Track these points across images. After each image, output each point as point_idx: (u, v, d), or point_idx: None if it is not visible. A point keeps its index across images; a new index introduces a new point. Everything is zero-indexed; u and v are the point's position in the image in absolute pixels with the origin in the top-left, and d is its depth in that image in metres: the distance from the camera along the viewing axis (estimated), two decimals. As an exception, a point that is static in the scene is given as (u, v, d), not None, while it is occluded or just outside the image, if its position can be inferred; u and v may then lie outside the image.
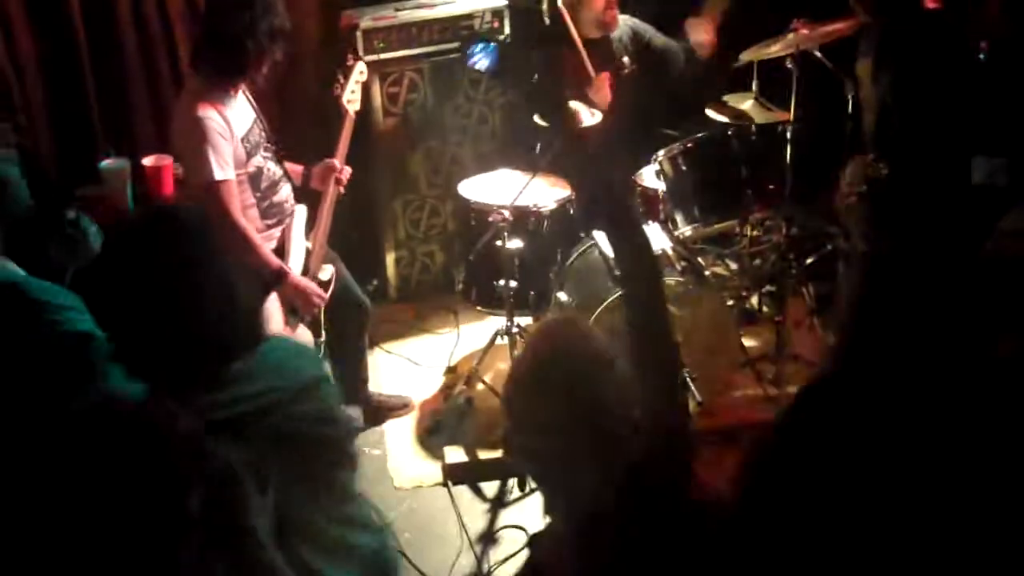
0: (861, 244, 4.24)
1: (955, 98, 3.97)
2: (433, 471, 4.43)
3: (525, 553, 2.18)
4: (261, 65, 3.87)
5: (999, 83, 4.90)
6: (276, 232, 4.08)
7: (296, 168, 4.26)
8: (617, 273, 2.63)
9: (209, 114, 3.76)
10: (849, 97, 4.90)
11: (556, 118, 2.26)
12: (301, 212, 4.19)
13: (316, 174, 4.26)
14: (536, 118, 4.49)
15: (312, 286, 4.07)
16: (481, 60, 4.92)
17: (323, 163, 4.25)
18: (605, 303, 4.26)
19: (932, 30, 4.02)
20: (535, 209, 4.60)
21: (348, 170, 4.27)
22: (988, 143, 4.99)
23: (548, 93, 2.34)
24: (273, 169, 4.04)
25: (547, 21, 5.04)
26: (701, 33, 4.97)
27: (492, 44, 4.87)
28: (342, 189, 4.27)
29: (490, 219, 4.43)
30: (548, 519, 2.15)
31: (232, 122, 3.84)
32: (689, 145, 4.63)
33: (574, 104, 4.46)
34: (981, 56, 4.95)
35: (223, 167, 3.79)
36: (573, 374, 2.03)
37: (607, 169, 2.40)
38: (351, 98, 4.31)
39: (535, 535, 2.22)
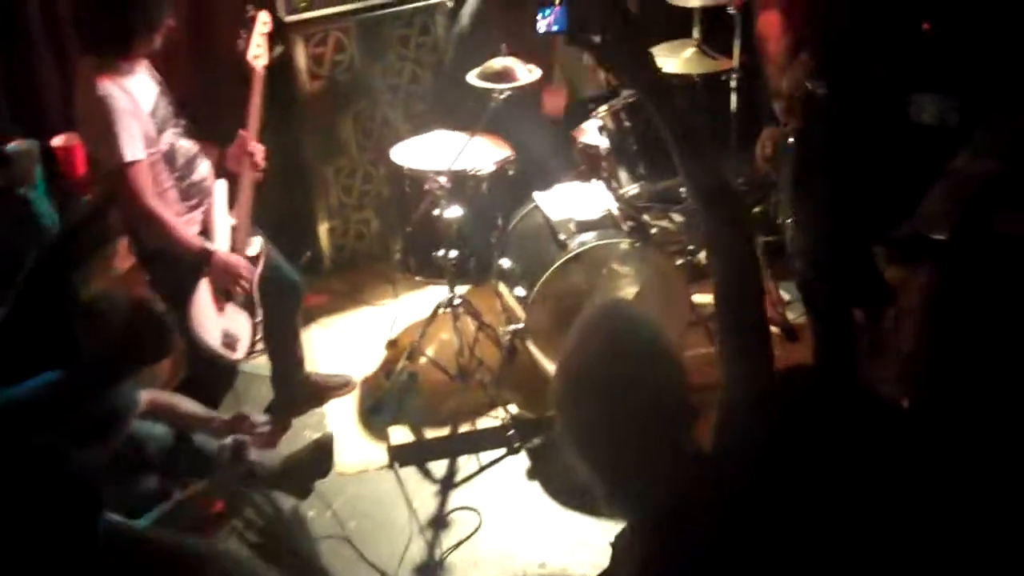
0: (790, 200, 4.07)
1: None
2: (378, 453, 4.22)
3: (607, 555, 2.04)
4: (152, 36, 3.60)
5: (948, 20, 4.76)
6: (198, 214, 3.83)
7: (209, 151, 3.99)
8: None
9: (111, 91, 3.49)
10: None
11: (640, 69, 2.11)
12: (221, 187, 3.94)
13: (231, 156, 4.01)
14: (470, 78, 4.24)
15: (241, 261, 3.84)
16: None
17: (236, 142, 3.99)
18: (551, 269, 4.11)
19: None
20: (473, 173, 4.40)
21: (261, 149, 4.02)
22: (938, 82, 4.87)
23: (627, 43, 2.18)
24: (187, 145, 3.78)
25: None
26: None
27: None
28: (259, 167, 4.02)
29: (426, 187, 4.22)
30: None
31: (137, 97, 3.58)
32: (632, 100, 4.42)
33: (509, 61, 4.22)
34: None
35: (133, 147, 3.53)
36: (628, 374, 1.91)
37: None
38: (257, 53, 4.04)
39: (616, 536, 2.06)
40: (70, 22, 4.43)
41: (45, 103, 4.48)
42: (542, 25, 4.59)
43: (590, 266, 4.22)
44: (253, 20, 4.08)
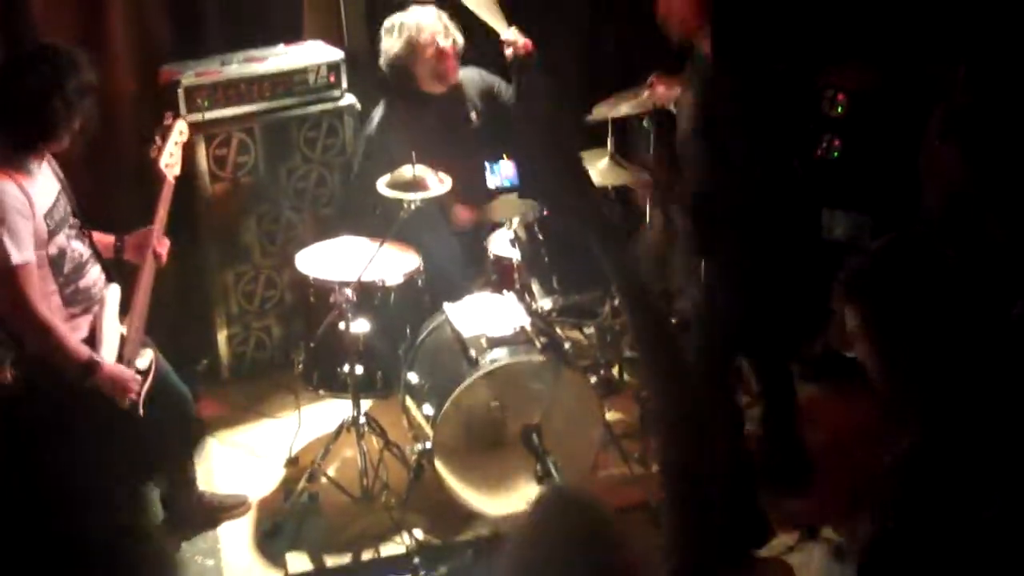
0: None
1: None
2: (276, 582, 3.98)
3: None
4: (69, 127, 3.46)
5: (860, 140, 4.81)
6: (84, 321, 3.60)
7: (107, 239, 3.82)
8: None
9: (7, 188, 3.32)
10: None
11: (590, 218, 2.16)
12: (114, 293, 3.72)
13: (131, 245, 3.82)
14: (380, 186, 4.11)
15: (128, 373, 3.61)
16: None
17: (138, 233, 3.81)
18: (461, 386, 3.95)
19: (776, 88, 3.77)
20: (381, 284, 4.24)
21: (167, 242, 3.85)
22: (852, 200, 4.89)
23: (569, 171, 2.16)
24: (79, 250, 3.58)
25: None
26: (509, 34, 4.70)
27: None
28: (163, 261, 3.84)
29: (332, 299, 4.05)
30: None
31: (34, 197, 3.39)
32: (545, 212, 4.33)
33: (420, 170, 4.10)
34: (839, 110, 4.86)
35: (21, 249, 3.34)
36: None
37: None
38: (170, 161, 3.88)
39: None
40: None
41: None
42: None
43: (502, 383, 4.07)
44: (169, 128, 3.92)
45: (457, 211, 4.73)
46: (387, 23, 4.66)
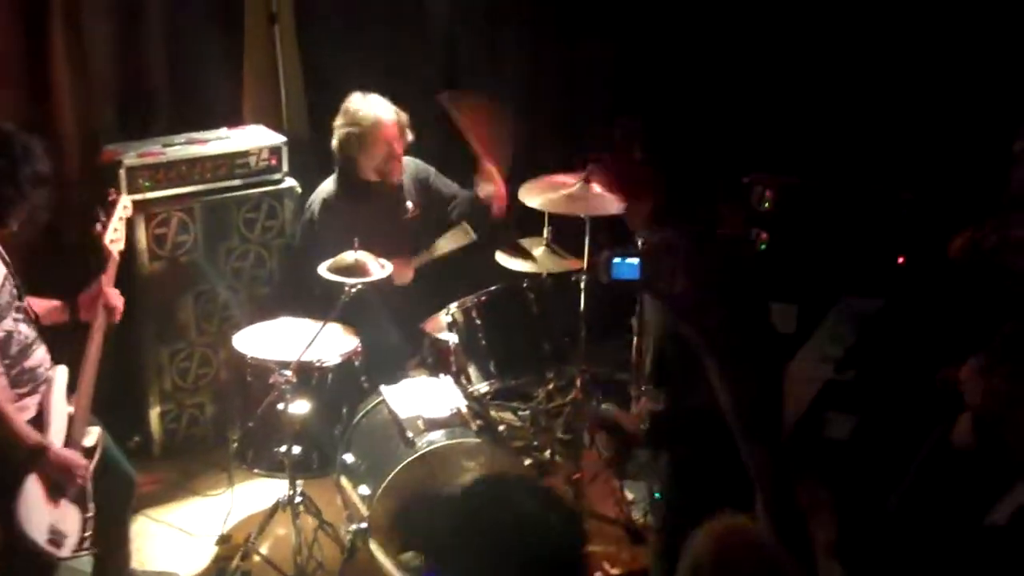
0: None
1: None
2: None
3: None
4: (19, 214, 3.50)
5: (786, 232, 5.00)
6: (31, 401, 3.61)
7: (55, 304, 3.83)
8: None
9: None
10: (639, 242, 4.84)
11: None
12: (62, 374, 3.73)
13: (83, 303, 3.83)
14: (322, 270, 4.18)
15: (76, 458, 3.61)
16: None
17: (89, 290, 3.83)
18: (397, 467, 3.99)
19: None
20: (319, 364, 4.29)
21: (119, 295, 3.85)
22: (778, 290, 5.06)
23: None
24: (24, 332, 3.60)
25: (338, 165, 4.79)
26: (490, 186, 4.84)
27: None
28: (116, 316, 3.84)
29: (271, 380, 4.09)
30: None
31: None
32: (483, 297, 4.44)
33: (362, 255, 4.19)
34: (766, 204, 5.07)
35: None
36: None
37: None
38: (115, 237, 3.91)
39: None
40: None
41: None
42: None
43: (438, 464, 4.12)
44: (114, 204, 3.95)
45: (396, 268, 4.69)
46: (346, 105, 4.71)
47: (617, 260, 4.60)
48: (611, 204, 4.30)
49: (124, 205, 4.01)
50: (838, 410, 4.61)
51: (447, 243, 4.88)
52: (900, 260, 4.78)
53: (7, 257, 3.62)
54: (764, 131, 5.33)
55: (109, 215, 3.94)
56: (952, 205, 4.51)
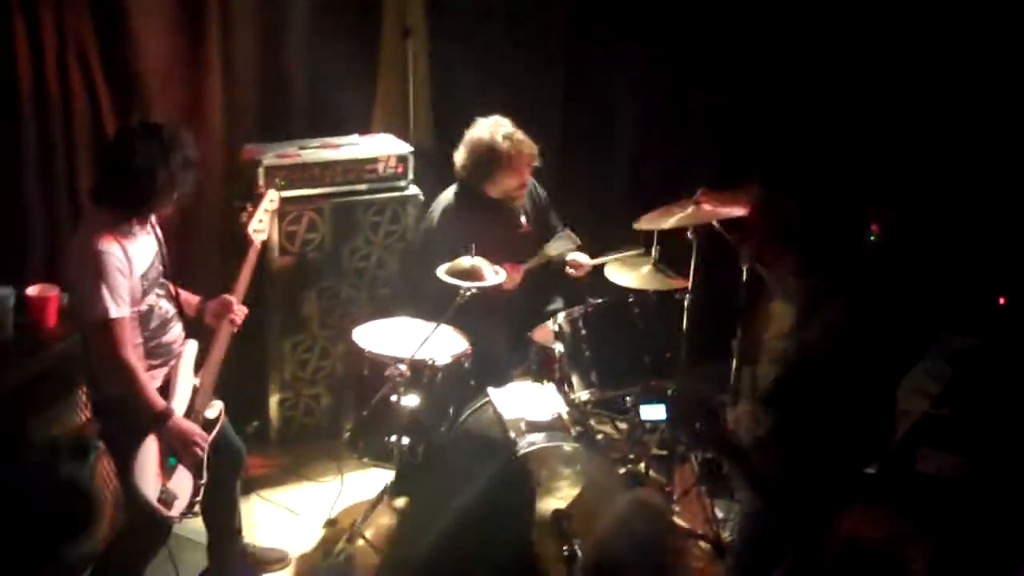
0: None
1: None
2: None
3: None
4: (171, 197, 3.78)
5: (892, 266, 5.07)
6: (160, 372, 3.91)
7: (192, 299, 4.12)
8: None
9: (111, 248, 3.63)
10: (744, 268, 4.98)
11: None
12: (192, 348, 4.03)
13: (210, 310, 4.12)
14: (440, 273, 4.42)
15: (195, 429, 3.89)
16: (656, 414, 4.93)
17: (219, 299, 4.11)
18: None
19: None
20: (431, 363, 4.52)
21: (244, 310, 4.14)
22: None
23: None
24: (166, 307, 3.90)
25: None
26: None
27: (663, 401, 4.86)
28: (236, 328, 4.13)
29: (387, 373, 4.33)
30: None
31: (134, 258, 3.71)
32: (589, 309, 4.62)
33: (478, 261, 4.42)
34: (871, 239, 5.14)
35: (119, 304, 3.65)
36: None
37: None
38: (258, 227, 4.21)
39: None
40: (63, 172, 4.64)
41: (28, 252, 4.60)
42: (646, 413, 4.79)
43: (536, 466, 4.31)
44: (261, 197, 4.26)
45: (507, 272, 4.85)
46: (490, 129, 4.86)
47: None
48: (717, 216, 4.52)
49: (271, 199, 4.30)
50: (932, 446, 4.68)
51: (554, 248, 5.09)
52: (1001, 301, 4.83)
53: (160, 235, 3.92)
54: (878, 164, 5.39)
55: (256, 206, 4.24)
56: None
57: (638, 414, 4.93)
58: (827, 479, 3.29)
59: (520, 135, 4.89)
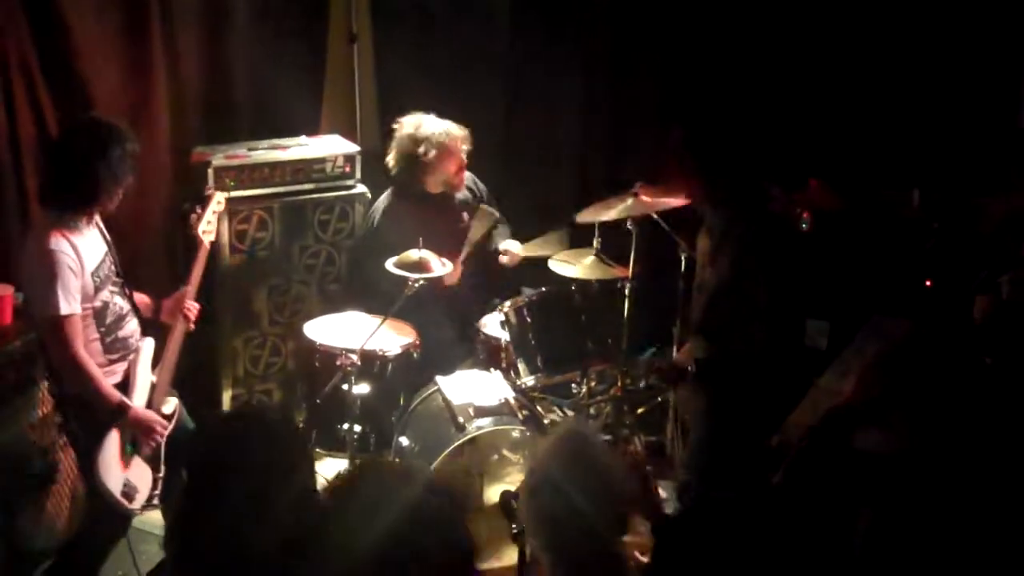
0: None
1: (785, 283, 4.19)
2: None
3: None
4: (115, 191, 3.87)
5: (821, 252, 5.28)
6: (120, 367, 4.02)
7: (145, 300, 4.22)
8: None
9: (61, 247, 3.72)
10: (682, 257, 5.17)
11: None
12: (148, 345, 4.14)
13: (166, 308, 4.23)
14: (389, 265, 4.56)
15: (154, 416, 4.01)
16: None
17: (173, 296, 4.22)
18: (447, 450, 4.33)
19: (769, 223, 4.24)
20: (381, 353, 4.65)
21: (196, 306, 4.24)
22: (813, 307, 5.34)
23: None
24: (120, 304, 4.00)
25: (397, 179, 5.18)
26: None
27: None
28: (190, 325, 4.24)
29: (338, 362, 4.46)
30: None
31: (84, 255, 3.80)
32: (534, 298, 4.78)
33: (425, 253, 4.56)
34: (804, 226, 5.34)
35: (70, 301, 3.74)
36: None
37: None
38: (207, 228, 4.31)
39: None
40: (10, 172, 4.70)
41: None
42: None
43: (484, 450, 4.47)
44: (209, 198, 4.37)
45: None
46: (414, 125, 5.07)
47: None
48: (654, 207, 4.74)
49: (218, 201, 4.42)
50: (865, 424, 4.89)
51: (476, 230, 5.21)
52: (927, 283, 5.03)
53: (107, 235, 4.01)
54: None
55: (204, 208, 4.35)
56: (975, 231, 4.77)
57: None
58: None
59: (446, 122, 5.08)
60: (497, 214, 5.27)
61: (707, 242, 4.19)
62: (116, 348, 4.00)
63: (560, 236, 5.24)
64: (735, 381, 4.07)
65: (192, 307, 4.22)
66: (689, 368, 4.18)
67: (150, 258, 5.07)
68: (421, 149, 5.02)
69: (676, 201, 4.66)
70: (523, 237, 5.35)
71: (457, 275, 5.09)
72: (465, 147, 5.11)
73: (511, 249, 5.27)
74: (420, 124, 5.07)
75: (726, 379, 4.10)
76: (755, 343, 4.03)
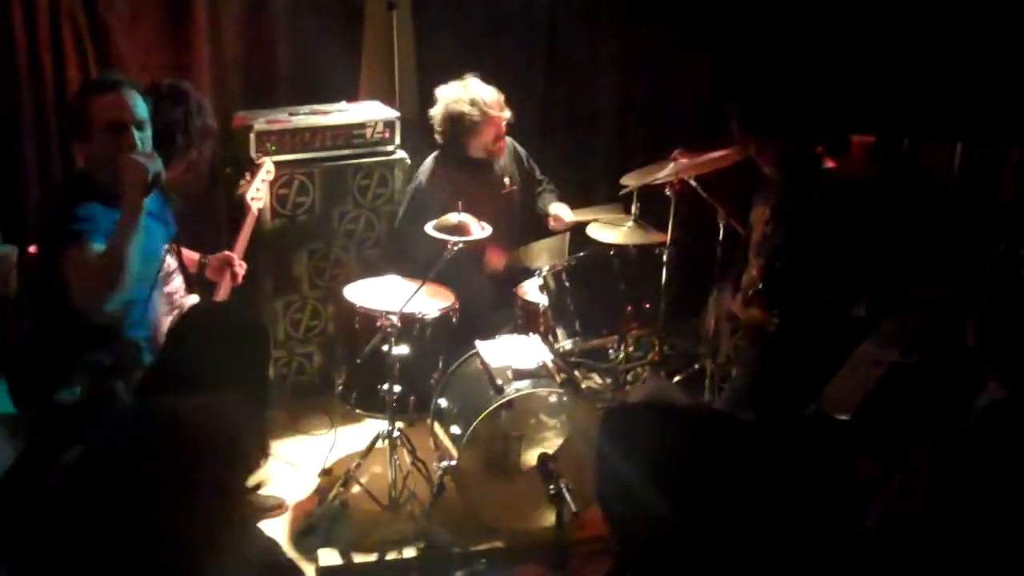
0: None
1: (843, 252, 4.24)
2: (307, 574, 4.37)
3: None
4: (185, 159, 3.93)
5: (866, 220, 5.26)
6: (165, 323, 4.06)
7: (192, 256, 4.28)
8: None
9: None
10: (720, 224, 5.17)
11: None
12: (193, 301, 4.19)
13: (212, 265, 4.29)
14: (428, 228, 4.59)
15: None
16: None
17: (220, 255, 4.28)
18: (487, 410, 4.36)
19: (827, 187, 4.31)
20: (420, 316, 4.69)
21: (244, 265, 4.30)
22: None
23: None
24: (168, 261, 4.05)
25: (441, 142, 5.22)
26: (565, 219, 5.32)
27: None
28: (238, 281, 4.29)
29: (379, 324, 4.50)
30: None
31: None
32: (572, 263, 4.80)
33: (465, 217, 4.59)
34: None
35: None
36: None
37: None
38: (256, 195, 4.37)
39: None
40: (57, 142, 4.78)
41: (29, 212, 4.75)
42: None
43: (522, 413, 4.49)
44: (259, 166, 4.42)
45: (490, 255, 5.19)
46: (456, 89, 5.12)
47: None
48: (694, 169, 4.78)
49: (268, 169, 4.47)
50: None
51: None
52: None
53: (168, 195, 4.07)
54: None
55: (254, 175, 4.40)
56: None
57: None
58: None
59: (486, 86, 5.12)
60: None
61: (764, 208, 4.28)
62: (161, 303, 4.05)
63: (615, 207, 5.27)
64: (790, 341, 4.21)
65: (241, 265, 4.27)
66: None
67: (190, 219, 5.11)
68: (467, 109, 5.06)
69: (714, 156, 4.70)
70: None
71: (501, 267, 5.17)
72: (507, 114, 5.13)
73: (560, 214, 5.29)
74: (468, 84, 5.12)
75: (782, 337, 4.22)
76: (823, 305, 4.08)
